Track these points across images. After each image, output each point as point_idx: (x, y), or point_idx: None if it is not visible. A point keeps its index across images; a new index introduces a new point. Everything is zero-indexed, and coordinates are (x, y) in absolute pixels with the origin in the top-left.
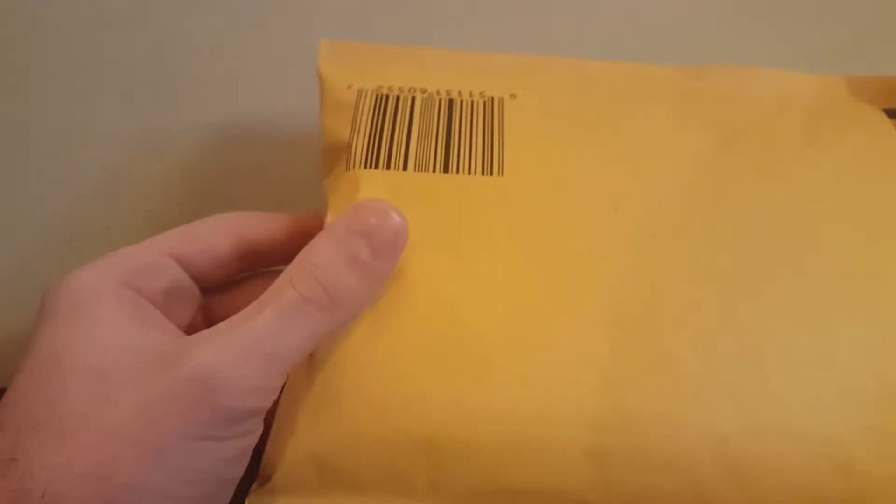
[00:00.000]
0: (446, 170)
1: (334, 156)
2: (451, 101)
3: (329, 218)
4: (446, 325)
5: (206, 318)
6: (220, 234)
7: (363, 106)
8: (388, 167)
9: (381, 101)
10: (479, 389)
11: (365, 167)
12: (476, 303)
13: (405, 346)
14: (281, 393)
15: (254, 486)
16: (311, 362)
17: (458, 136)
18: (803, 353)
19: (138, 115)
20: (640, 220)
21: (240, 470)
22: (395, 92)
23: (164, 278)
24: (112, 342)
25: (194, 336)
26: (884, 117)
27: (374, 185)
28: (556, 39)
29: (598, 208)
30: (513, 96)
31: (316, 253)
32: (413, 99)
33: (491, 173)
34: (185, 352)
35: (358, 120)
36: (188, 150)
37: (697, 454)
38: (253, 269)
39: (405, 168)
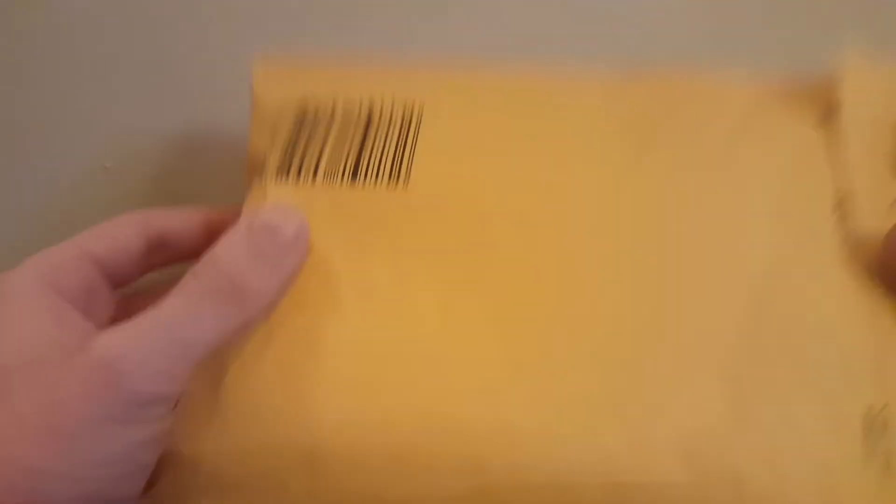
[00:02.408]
0: (354, 178)
1: (256, 169)
2: (370, 112)
3: None
4: (337, 337)
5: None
6: (129, 230)
7: (285, 119)
8: (298, 178)
9: (302, 114)
10: (363, 402)
11: (277, 177)
12: (369, 317)
13: (294, 358)
14: None
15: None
16: (201, 371)
17: (372, 147)
18: (700, 370)
19: (140, 115)
20: (546, 232)
21: (154, 455)
22: (318, 100)
23: (81, 278)
24: (23, 337)
25: (104, 329)
26: (810, 132)
27: (281, 196)
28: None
29: (504, 220)
30: (434, 99)
31: (221, 247)
32: (333, 109)
33: (397, 183)
34: (91, 341)
35: (277, 133)
36: (190, 151)
37: (579, 470)
38: (164, 263)
39: (314, 179)
